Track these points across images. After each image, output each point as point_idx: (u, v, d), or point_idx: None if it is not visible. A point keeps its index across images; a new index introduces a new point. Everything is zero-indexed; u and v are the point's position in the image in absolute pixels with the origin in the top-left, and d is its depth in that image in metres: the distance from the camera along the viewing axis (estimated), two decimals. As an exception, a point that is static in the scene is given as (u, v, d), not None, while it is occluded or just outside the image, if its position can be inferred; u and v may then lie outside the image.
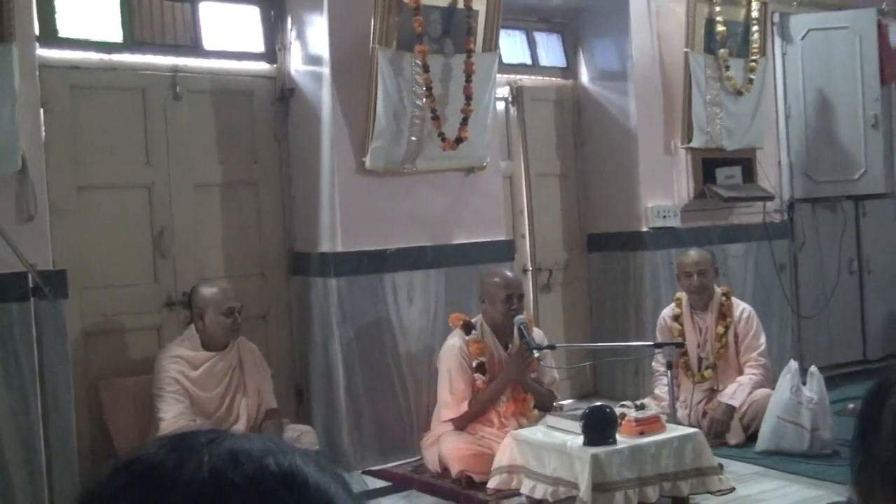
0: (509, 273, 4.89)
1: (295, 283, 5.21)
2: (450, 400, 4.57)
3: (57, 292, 4.09)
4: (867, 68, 6.75)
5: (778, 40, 6.82)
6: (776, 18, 6.77)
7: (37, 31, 4.33)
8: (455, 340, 4.66)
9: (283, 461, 0.70)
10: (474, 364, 4.60)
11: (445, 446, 4.49)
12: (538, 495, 3.92)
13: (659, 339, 5.15)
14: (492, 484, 4.12)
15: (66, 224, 4.49)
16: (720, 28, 6.18)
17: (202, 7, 5.04)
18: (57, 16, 4.62)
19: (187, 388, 4.21)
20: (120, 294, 4.67)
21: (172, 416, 4.10)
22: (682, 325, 5.30)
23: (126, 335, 4.69)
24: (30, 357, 4.01)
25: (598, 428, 3.81)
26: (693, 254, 5.34)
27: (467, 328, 4.68)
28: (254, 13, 5.21)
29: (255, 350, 4.53)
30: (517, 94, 6.20)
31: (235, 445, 0.70)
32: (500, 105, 5.98)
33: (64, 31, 4.64)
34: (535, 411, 4.62)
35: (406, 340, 5.08)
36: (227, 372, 4.35)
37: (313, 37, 5.01)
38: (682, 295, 5.35)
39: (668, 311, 5.40)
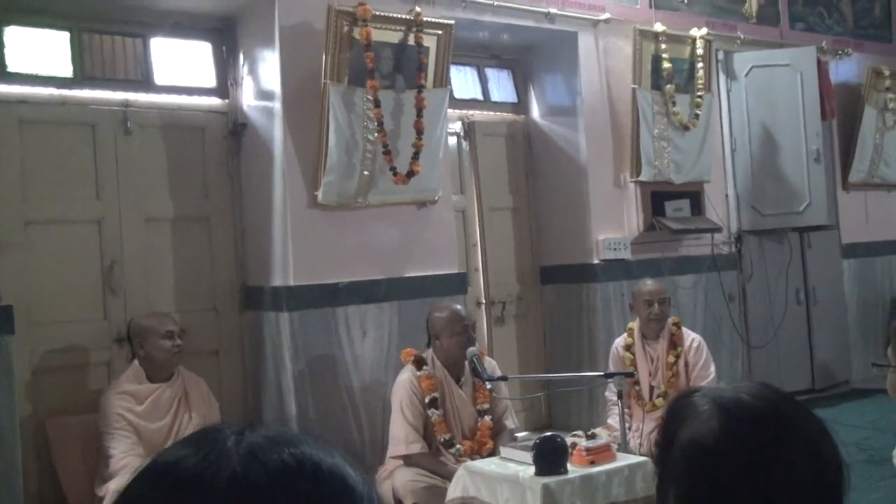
0: (457, 306, 4.85)
1: (247, 318, 5.19)
2: (400, 436, 4.56)
3: (3, 328, 4.04)
4: (808, 104, 6.96)
5: (722, 77, 7.00)
6: (720, 56, 6.96)
7: (-15, 65, 4.33)
8: (406, 375, 4.65)
9: (297, 451, 0.76)
10: (427, 400, 4.59)
11: (399, 479, 4.47)
12: (491, 526, 3.92)
13: (611, 369, 5.19)
14: (445, 516, 4.11)
15: (13, 259, 4.44)
16: (666, 65, 6.33)
17: (153, 42, 5.06)
18: (6, 50, 4.61)
19: (133, 423, 4.15)
20: (69, 330, 4.62)
21: (121, 453, 4.04)
22: (633, 354, 5.35)
23: (75, 372, 4.63)
24: (-26, 394, 3.94)
25: (550, 458, 3.83)
26: (651, 283, 5.39)
27: (418, 363, 4.67)
28: (205, 49, 5.24)
29: (202, 382, 4.48)
30: (469, 129, 6.28)
31: (255, 442, 0.77)
32: (453, 140, 6.05)
33: (13, 65, 4.62)
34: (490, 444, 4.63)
35: (359, 374, 5.07)
36: (172, 402, 4.30)
37: (265, 72, 5.04)
38: (634, 325, 5.41)
39: (620, 341, 5.45)
